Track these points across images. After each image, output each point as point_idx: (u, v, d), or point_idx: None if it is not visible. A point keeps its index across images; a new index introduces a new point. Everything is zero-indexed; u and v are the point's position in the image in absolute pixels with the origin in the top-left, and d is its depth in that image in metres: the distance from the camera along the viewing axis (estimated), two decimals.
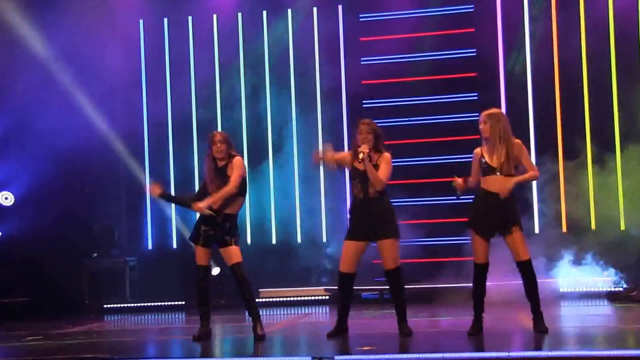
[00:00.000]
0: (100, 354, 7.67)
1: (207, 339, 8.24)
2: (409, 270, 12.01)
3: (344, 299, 8.09)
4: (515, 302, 9.41)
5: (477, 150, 7.83)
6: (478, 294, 7.80)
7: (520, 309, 8.87)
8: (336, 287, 8.31)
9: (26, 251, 12.53)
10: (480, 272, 7.76)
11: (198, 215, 8.30)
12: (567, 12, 12.48)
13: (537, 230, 12.19)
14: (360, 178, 7.85)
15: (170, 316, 11.76)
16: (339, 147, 12.62)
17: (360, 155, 7.74)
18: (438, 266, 12.14)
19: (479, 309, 7.80)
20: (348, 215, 8.08)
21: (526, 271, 7.66)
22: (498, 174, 7.62)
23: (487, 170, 7.67)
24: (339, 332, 8.01)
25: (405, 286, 8.06)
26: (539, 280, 7.74)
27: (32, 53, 12.48)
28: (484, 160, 7.70)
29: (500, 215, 7.62)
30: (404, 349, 7.36)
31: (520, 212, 7.84)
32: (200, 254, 8.27)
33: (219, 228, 8.16)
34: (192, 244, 8.34)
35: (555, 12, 12.55)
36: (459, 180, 7.81)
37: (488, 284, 7.85)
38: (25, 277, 12.47)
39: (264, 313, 11.28)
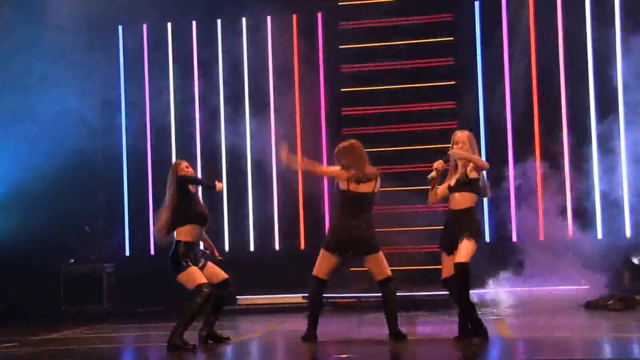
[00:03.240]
0: None
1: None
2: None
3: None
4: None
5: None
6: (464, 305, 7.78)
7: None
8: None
9: (2, 257, 12.44)
10: (449, 286, 7.84)
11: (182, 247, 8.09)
12: (545, 21, 12.58)
13: (514, 239, 12.28)
14: None
15: (147, 323, 11.69)
16: (318, 155, 12.76)
17: None
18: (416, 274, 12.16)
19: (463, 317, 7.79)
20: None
21: (462, 271, 7.62)
22: (454, 192, 7.80)
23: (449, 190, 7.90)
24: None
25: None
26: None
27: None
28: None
29: (456, 229, 7.73)
30: (382, 357, 7.37)
31: (478, 225, 7.87)
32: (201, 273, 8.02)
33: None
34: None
35: (533, 21, 12.64)
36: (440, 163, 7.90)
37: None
38: (1, 283, 12.39)
39: (242, 321, 11.31)
